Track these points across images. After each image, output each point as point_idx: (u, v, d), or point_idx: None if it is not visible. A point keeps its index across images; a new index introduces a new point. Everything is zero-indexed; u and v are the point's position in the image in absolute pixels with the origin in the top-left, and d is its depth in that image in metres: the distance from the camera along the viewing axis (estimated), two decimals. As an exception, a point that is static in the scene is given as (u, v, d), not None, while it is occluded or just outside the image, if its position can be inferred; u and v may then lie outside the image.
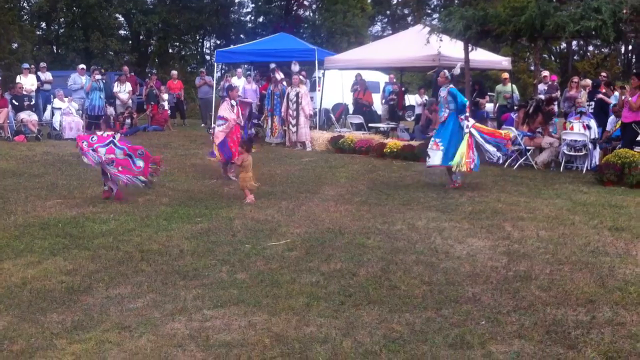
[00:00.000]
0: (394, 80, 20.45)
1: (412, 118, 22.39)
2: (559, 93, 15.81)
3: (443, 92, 10.02)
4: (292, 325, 4.58)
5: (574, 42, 33.22)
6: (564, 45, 34.79)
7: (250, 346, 4.25)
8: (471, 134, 9.79)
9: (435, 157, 9.96)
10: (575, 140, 12.09)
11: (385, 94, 19.86)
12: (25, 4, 38.01)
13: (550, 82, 16.34)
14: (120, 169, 8.75)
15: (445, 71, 10.24)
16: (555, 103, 14.95)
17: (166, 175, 11.17)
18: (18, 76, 19.22)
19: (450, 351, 4.18)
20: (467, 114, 9.99)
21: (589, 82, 14.69)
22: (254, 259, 6.22)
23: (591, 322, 4.65)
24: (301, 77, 16.22)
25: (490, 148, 9.91)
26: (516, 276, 5.69)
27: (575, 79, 15.51)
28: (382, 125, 17.87)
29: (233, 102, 11.07)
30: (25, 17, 37.07)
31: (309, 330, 4.49)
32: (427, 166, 10.33)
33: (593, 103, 14.09)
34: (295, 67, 16.11)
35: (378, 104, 20.60)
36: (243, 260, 6.17)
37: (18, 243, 6.73)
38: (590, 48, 36.18)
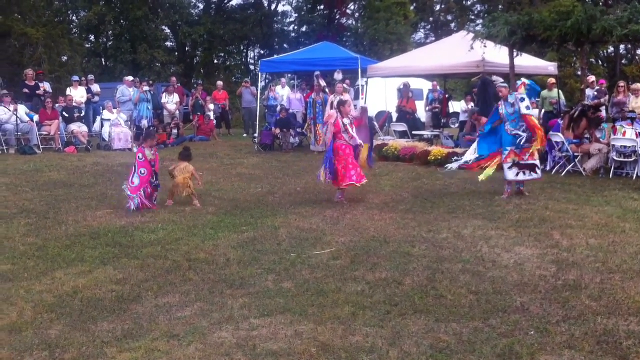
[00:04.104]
0: (437, 87, 20.34)
1: (457, 125, 22.24)
2: (607, 98, 15.51)
3: (518, 103, 9.71)
4: (338, 334, 4.59)
5: (622, 46, 32.53)
6: (611, 49, 34.13)
7: (297, 355, 4.27)
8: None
9: (536, 170, 9.86)
10: (625, 147, 11.85)
11: (428, 102, 19.79)
12: (74, 18, 38.96)
13: (598, 87, 16.03)
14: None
15: (502, 85, 10.08)
16: (603, 109, 14.65)
17: (212, 185, 11.32)
18: (68, 88, 19.68)
19: (498, 362, 4.15)
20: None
21: (639, 86, 14.32)
22: (299, 268, 6.25)
23: (644, 332, 4.56)
24: (345, 85, 16.23)
25: None
26: (565, 285, 5.60)
27: (622, 83, 15.19)
28: (426, 133, 17.77)
29: (346, 121, 9.61)
30: (74, 30, 37.98)
31: (355, 340, 4.49)
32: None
33: None
34: (339, 76, 16.14)
35: (422, 112, 20.51)
36: (289, 269, 6.21)
37: (69, 253, 6.89)
38: (639, 52, 35.41)
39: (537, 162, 9.86)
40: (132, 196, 8.94)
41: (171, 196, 9.48)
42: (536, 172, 9.87)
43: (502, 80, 10.73)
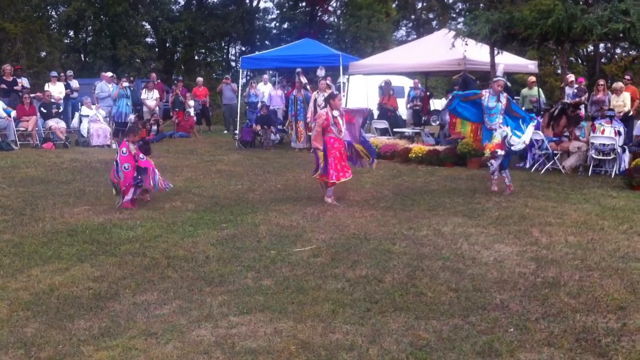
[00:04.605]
0: (419, 85, 20.38)
1: (437, 123, 22.30)
2: (586, 96, 15.61)
3: (502, 100, 9.84)
4: (318, 332, 4.56)
5: (602, 45, 32.84)
6: (591, 48, 34.38)
7: (276, 353, 4.23)
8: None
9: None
10: (604, 145, 11.94)
11: (409, 99, 19.83)
12: (53, 13, 38.54)
13: (578, 85, 16.14)
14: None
15: (503, 79, 10.08)
16: (582, 107, 14.75)
17: (192, 182, 11.24)
18: (46, 84, 19.47)
19: (478, 359, 4.14)
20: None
21: (621, 85, 14.42)
22: (279, 265, 6.21)
23: (622, 329, 4.57)
24: (328, 82, 16.17)
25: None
26: (545, 282, 5.62)
27: (602, 82, 15.30)
28: (407, 130, 17.80)
29: (335, 113, 9.38)
30: (53, 25, 37.61)
31: (335, 338, 4.47)
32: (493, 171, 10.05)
33: None
34: (321, 72, 16.06)
35: (403, 109, 20.54)
36: (268, 267, 6.17)
37: (46, 250, 6.80)
38: (618, 50, 35.72)
39: (497, 153, 9.85)
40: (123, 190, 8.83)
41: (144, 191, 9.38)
42: (492, 165, 10.01)
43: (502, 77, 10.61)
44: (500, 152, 9.83)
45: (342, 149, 9.46)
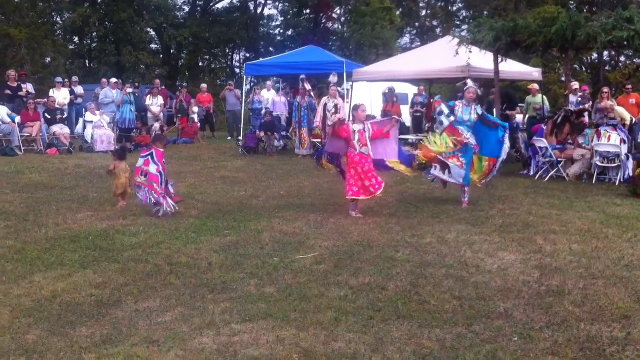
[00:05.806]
0: (423, 92, 20.37)
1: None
2: (590, 104, 15.59)
3: (475, 113, 9.58)
4: (320, 340, 4.53)
5: (606, 53, 32.81)
6: (595, 55, 34.37)
7: (278, 361, 4.21)
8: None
9: (457, 174, 9.53)
10: (609, 152, 11.90)
11: (412, 104, 19.83)
12: (58, 19, 38.69)
13: (582, 93, 16.13)
14: (146, 182, 8.67)
15: (475, 89, 9.72)
16: (586, 114, 14.73)
17: (195, 188, 11.24)
18: (51, 90, 19.53)
19: (481, 368, 4.11)
20: None
21: (610, 103, 14.52)
22: (282, 273, 6.19)
23: (627, 338, 4.54)
24: (340, 89, 16.15)
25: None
26: (549, 291, 5.58)
27: (606, 89, 15.28)
28: (411, 137, 17.78)
29: (357, 127, 8.75)
30: (58, 32, 37.73)
31: (337, 346, 4.44)
32: (433, 178, 9.80)
33: None
34: (334, 79, 15.99)
35: (407, 116, 20.53)
36: (271, 274, 6.14)
37: (49, 256, 6.79)
38: (622, 58, 35.69)
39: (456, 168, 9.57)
40: (162, 202, 8.71)
41: (123, 197, 9.39)
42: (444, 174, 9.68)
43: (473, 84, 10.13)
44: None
45: (366, 165, 8.83)
